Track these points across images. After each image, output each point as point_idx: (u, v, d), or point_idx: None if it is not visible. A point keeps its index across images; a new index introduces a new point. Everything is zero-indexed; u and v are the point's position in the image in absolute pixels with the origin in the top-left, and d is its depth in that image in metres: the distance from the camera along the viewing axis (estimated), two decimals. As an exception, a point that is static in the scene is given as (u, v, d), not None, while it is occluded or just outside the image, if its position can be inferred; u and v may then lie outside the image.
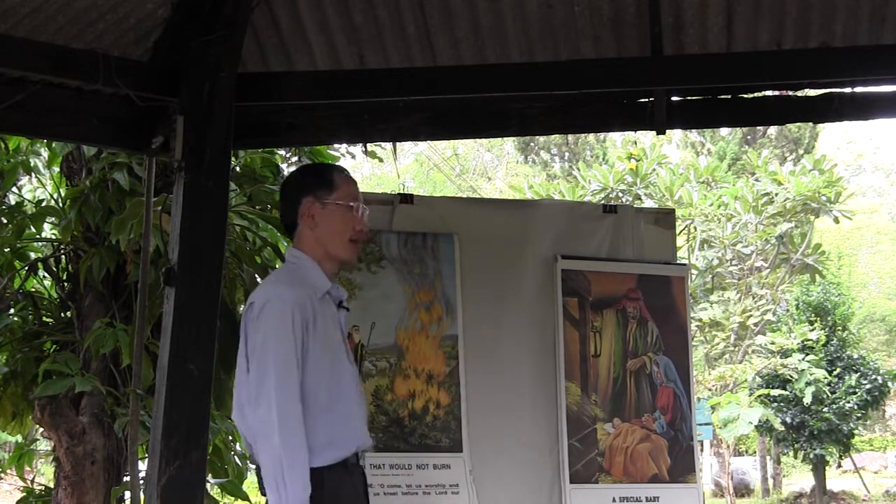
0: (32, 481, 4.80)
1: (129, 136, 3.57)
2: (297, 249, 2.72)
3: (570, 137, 25.92)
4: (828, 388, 15.70)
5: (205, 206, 3.27)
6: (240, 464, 4.31)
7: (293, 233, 2.75)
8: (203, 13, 3.33)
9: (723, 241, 15.83)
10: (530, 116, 3.79)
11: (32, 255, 4.48)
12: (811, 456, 16.28)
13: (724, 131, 23.62)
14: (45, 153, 4.52)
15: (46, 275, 4.55)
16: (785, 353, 15.53)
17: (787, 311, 17.21)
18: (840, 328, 16.80)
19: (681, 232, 14.88)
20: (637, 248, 4.16)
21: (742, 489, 19.23)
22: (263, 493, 2.51)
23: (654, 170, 15.22)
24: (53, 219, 4.39)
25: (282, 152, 4.68)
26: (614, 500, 3.88)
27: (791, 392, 15.42)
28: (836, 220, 15.71)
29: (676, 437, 4.03)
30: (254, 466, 2.61)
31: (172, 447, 3.07)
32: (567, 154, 27.04)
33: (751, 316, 15.87)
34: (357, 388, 2.71)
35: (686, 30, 3.57)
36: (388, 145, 5.21)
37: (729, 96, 3.73)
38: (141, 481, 3.72)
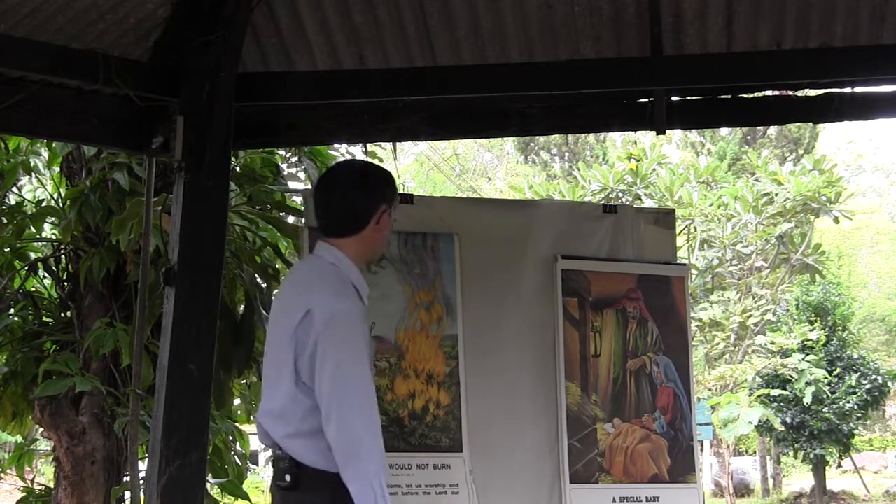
0: (32, 481, 4.80)
1: (129, 136, 3.56)
2: (338, 250, 2.56)
3: (570, 137, 25.93)
4: (828, 388, 15.71)
5: (205, 206, 3.26)
6: (240, 464, 4.32)
7: (349, 233, 2.56)
8: (203, 13, 3.33)
9: (723, 241, 15.83)
10: (530, 116, 3.79)
11: (32, 255, 4.48)
12: (811, 456, 16.29)
13: (724, 131, 23.63)
14: (45, 153, 4.52)
15: (46, 275, 4.55)
16: (785, 353, 15.55)
17: (787, 311, 17.22)
18: (840, 328, 16.81)
19: (681, 232, 14.88)
20: (637, 248, 4.15)
21: (742, 489, 19.25)
22: (287, 483, 2.46)
23: (654, 170, 15.23)
24: (53, 219, 4.39)
25: (282, 152, 4.68)
26: (614, 500, 3.88)
27: (791, 392, 15.43)
28: (836, 220, 15.72)
29: (676, 437, 4.02)
30: (273, 459, 2.53)
31: (172, 447, 3.07)
32: (567, 154, 27.05)
33: (751, 316, 15.87)
34: None
35: (686, 30, 3.56)
36: (388, 145, 5.22)
37: (729, 96, 3.73)
38: (141, 481, 3.72)
